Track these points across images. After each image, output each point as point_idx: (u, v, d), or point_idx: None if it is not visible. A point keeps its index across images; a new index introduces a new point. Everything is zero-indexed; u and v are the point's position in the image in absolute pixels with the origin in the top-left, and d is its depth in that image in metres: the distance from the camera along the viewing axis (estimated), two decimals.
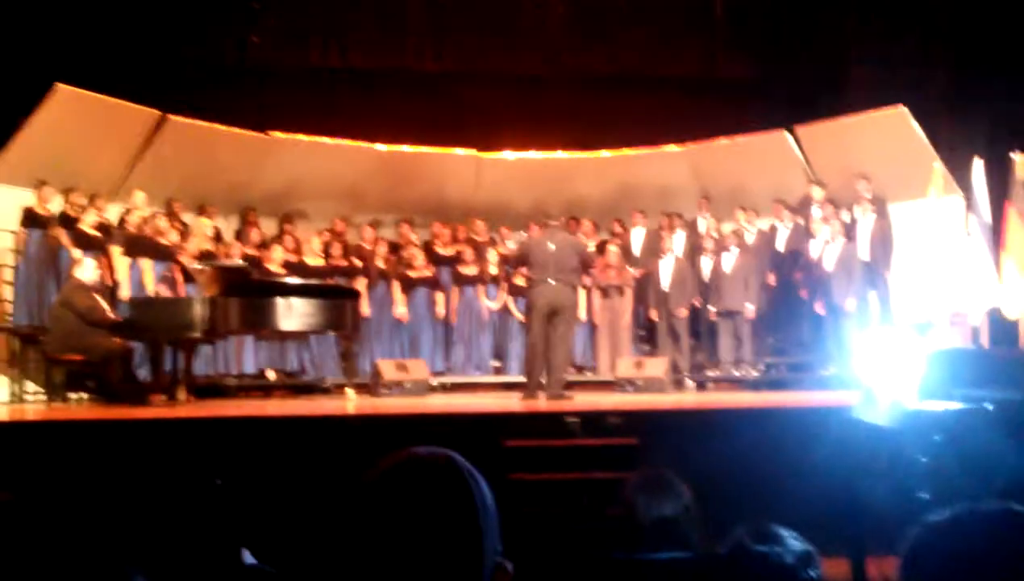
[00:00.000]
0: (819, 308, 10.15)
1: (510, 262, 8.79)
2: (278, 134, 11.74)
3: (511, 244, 11.59)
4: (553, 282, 8.43)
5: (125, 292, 9.67)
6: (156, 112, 10.81)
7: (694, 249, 11.35)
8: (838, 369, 9.63)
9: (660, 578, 2.60)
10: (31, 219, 9.74)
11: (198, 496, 2.52)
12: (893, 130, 10.40)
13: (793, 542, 1.86)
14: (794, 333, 11.01)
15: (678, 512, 2.79)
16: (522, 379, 9.31)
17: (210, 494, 2.54)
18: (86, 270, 8.75)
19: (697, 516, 2.80)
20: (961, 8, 10.97)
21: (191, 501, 2.50)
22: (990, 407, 2.62)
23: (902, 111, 10.29)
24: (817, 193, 10.89)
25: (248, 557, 2.53)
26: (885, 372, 2.80)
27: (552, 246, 8.55)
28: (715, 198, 11.88)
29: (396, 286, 11.22)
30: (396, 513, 1.17)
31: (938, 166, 9.67)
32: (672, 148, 12.25)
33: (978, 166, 9.36)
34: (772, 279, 10.98)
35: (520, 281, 10.31)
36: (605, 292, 11.23)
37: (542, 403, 8.17)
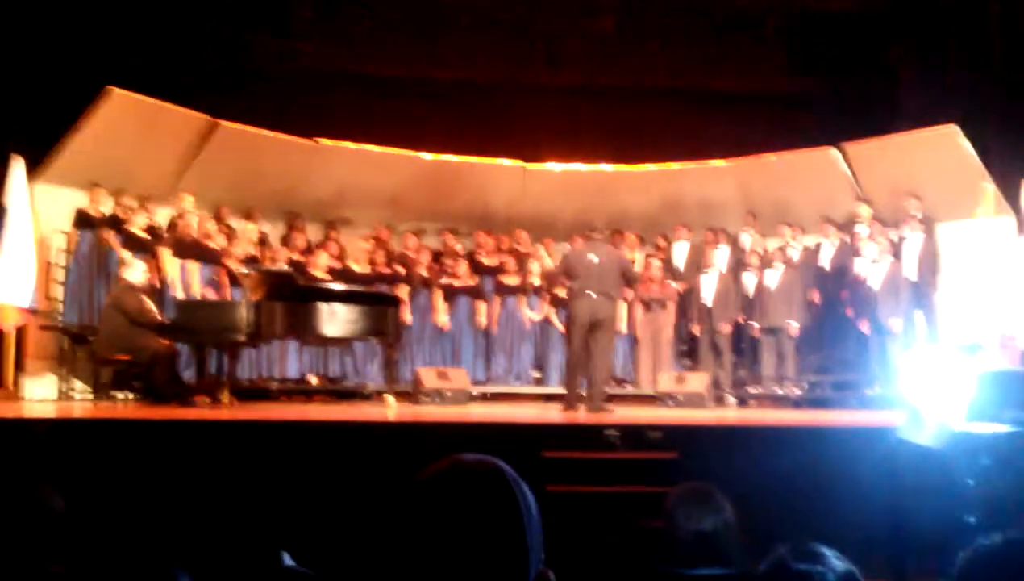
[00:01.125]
0: (864, 327, 10.03)
1: (552, 273, 8.79)
2: (325, 141, 11.85)
3: (548, 260, 11.59)
4: (595, 295, 8.42)
5: (174, 294, 9.80)
6: (207, 117, 10.96)
7: (738, 264, 11.28)
8: (883, 389, 9.51)
9: None
10: (83, 220, 9.92)
11: (239, 497, 2.55)
12: (944, 149, 10.26)
13: (835, 561, 1.84)
14: (838, 352, 10.89)
15: (717, 527, 2.77)
16: (562, 391, 9.30)
17: (251, 495, 2.57)
18: (135, 272, 8.88)
19: (737, 532, 2.77)
20: (1015, 28, 10.82)
21: (233, 502, 2.53)
22: None
23: (953, 130, 10.15)
24: (864, 211, 10.79)
25: (287, 559, 2.55)
26: (932, 393, 2.75)
27: (595, 259, 8.55)
28: (760, 214, 11.80)
29: (438, 294, 11.27)
30: (442, 519, 1.17)
31: (989, 186, 9.53)
32: (718, 163, 12.19)
33: None
34: (817, 297, 10.88)
35: (562, 293, 10.31)
36: (648, 306, 11.19)
37: (582, 415, 8.16)
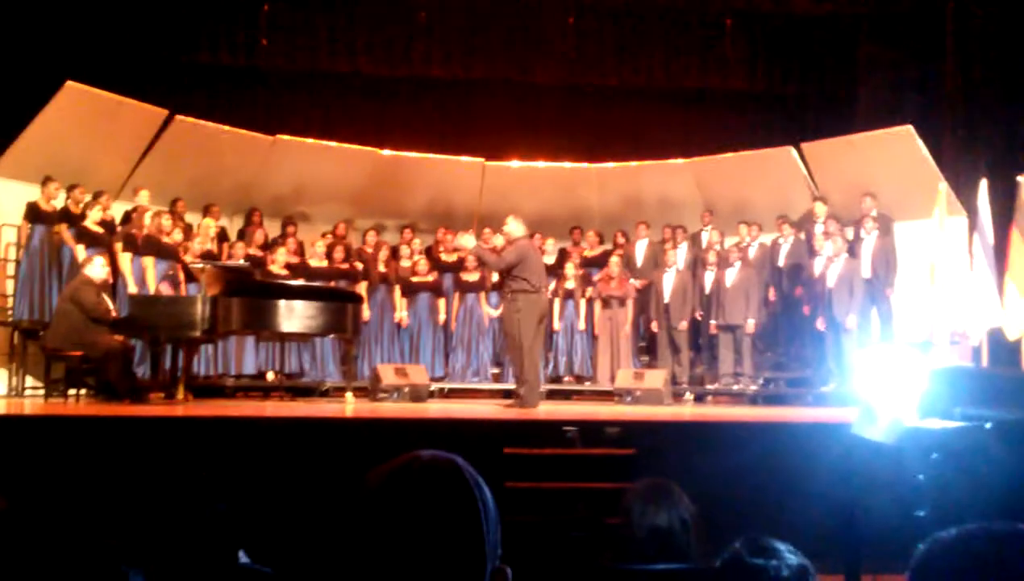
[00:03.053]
0: (820, 324, 10.15)
1: (504, 265, 8.62)
2: (284, 137, 11.77)
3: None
4: (545, 291, 8.55)
5: (128, 290, 9.68)
6: (163, 111, 10.84)
7: (696, 262, 11.36)
8: (838, 385, 9.64)
9: None
10: (34, 214, 9.76)
11: (195, 497, 2.52)
12: (899, 150, 10.41)
13: (790, 556, 1.86)
14: (794, 348, 11.03)
15: (674, 523, 2.79)
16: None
17: (206, 495, 2.54)
18: (95, 268, 8.71)
19: (695, 528, 2.79)
20: (970, 31, 10.99)
21: (188, 501, 2.50)
22: (989, 426, 2.62)
23: (909, 131, 10.30)
24: (820, 209, 10.91)
25: (243, 557, 2.53)
26: (885, 389, 2.79)
27: (539, 255, 8.67)
28: (719, 212, 11.90)
29: (396, 291, 11.23)
30: (399, 514, 1.17)
31: (943, 187, 9.68)
32: (677, 161, 12.27)
33: (983, 188, 9.37)
34: (773, 294, 10.99)
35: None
36: (606, 302, 11.23)
37: (541, 412, 8.18)
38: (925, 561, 1.32)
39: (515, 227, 8.79)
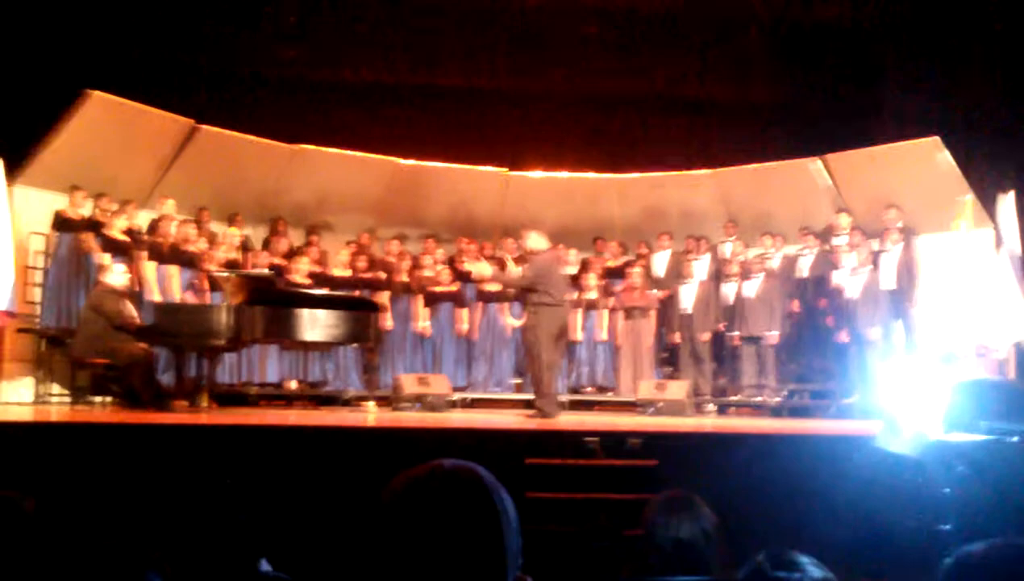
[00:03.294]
0: (843, 336, 10.08)
1: (527, 283, 8.74)
2: (307, 146, 11.83)
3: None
4: (566, 305, 8.55)
5: (152, 298, 9.75)
6: (188, 121, 10.92)
7: (718, 273, 11.33)
8: (861, 398, 9.56)
9: None
10: (61, 223, 9.85)
11: (218, 505, 2.53)
12: (925, 161, 10.34)
13: (813, 569, 1.84)
14: (817, 361, 10.95)
15: (695, 535, 2.77)
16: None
17: (228, 500, 2.55)
18: (116, 275, 8.83)
19: (717, 540, 2.78)
20: (996, 41, 10.91)
21: (210, 507, 2.52)
22: (1015, 439, 2.59)
23: (935, 142, 10.23)
24: (844, 221, 10.86)
25: (265, 565, 2.54)
26: (909, 402, 2.77)
27: (560, 267, 8.69)
28: (741, 223, 11.85)
29: (419, 301, 11.25)
30: (421, 523, 1.17)
31: (968, 198, 9.60)
32: (700, 172, 12.24)
33: (1009, 199, 9.29)
34: (796, 306, 10.93)
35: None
36: (628, 313, 11.21)
37: (561, 422, 8.17)
38: (953, 576, 1.31)
39: (536, 241, 8.85)
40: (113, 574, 1.79)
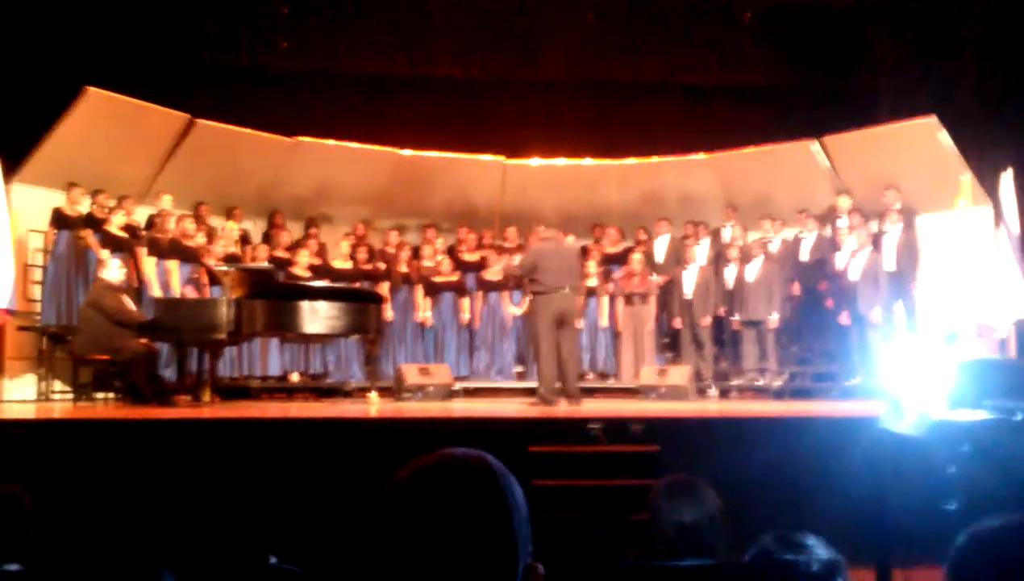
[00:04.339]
0: (844, 318, 10.08)
1: (521, 271, 8.86)
2: (305, 138, 11.81)
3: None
4: (567, 290, 8.52)
5: (152, 293, 9.75)
6: (185, 116, 10.91)
7: (718, 258, 11.32)
8: (863, 379, 9.56)
9: None
10: (60, 220, 9.85)
11: (223, 497, 2.54)
12: (923, 141, 10.33)
13: (820, 550, 1.85)
14: (819, 343, 10.95)
15: (700, 519, 2.78)
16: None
17: (234, 494, 2.56)
18: (111, 270, 8.81)
19: (722, 524, 2.78)
20: (992, 19, 10.88)
21: (216, 501, 2.52)
22: (1019, 418, 2.60)
23: (932, 121, 10.22)
24: (844, 203, 10.85)
25: (272, 558, 2.54)
26: (912, 382, 2.78)
27: (562, 255, 8.68)
28: (740, 207, 11.84)
29: (419, 291, 11.26)
30: (429, 513, 1.17)
31: (967, 178, 9.59)
32: (698, 156, 12.23)
33: (1008, 178, 9.28)
34: (797, 289, 10.93)
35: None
36: (629, 299, 11.21)
37: (563, 409, 8.18)
38: (965, 553, 1.31)
39: (543, 233, 9.08)
40: (127, 572, 1.79)
